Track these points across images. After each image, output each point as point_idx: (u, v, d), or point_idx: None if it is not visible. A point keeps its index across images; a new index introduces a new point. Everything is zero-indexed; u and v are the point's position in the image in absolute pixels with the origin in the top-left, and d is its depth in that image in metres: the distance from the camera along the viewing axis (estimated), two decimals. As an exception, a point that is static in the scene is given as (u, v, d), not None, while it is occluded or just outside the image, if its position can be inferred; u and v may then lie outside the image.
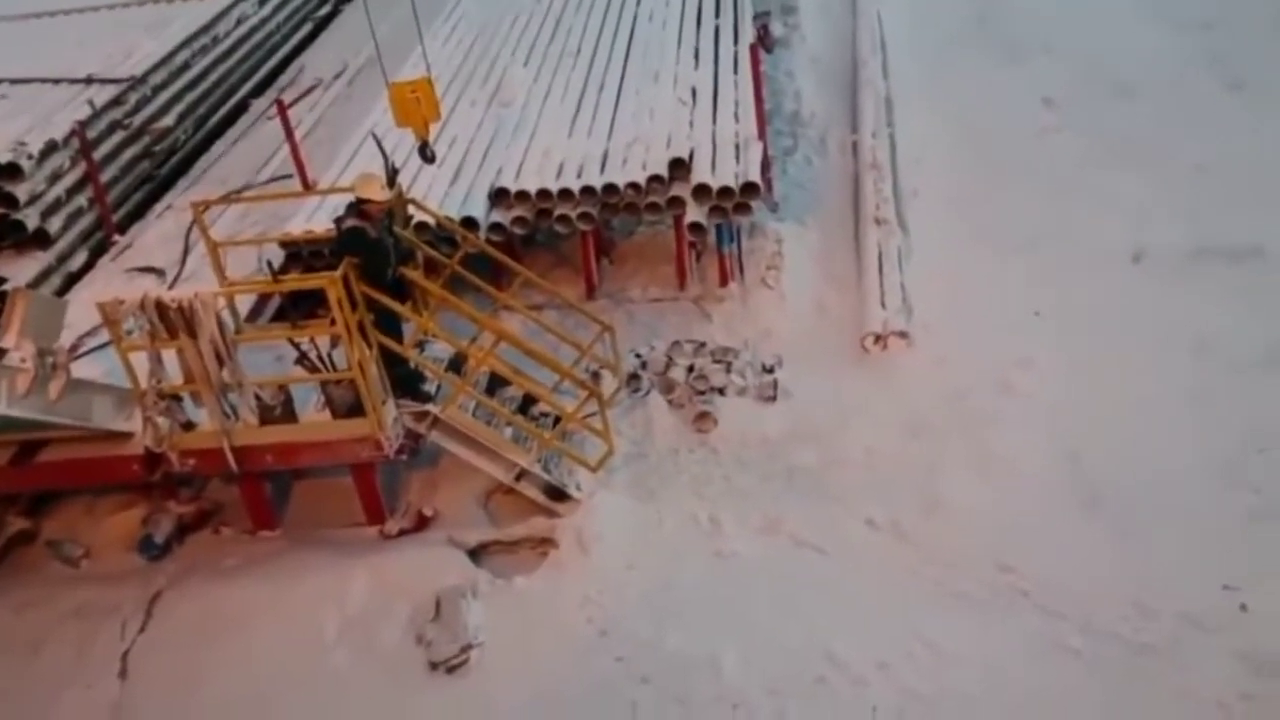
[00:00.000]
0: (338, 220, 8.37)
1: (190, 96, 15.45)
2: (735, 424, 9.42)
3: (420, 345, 9.10)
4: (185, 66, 15.45)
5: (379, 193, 8.20)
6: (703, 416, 9.49)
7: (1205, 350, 9.45)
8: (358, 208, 8.19)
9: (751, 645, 7.52)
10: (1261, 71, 13.28)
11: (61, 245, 12.52)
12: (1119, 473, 8.49)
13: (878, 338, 10.04)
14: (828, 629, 7.54)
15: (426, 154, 9.27)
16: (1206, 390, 9.07)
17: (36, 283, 11.73)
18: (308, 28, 18.83)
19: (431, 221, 9.95)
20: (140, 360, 8.03)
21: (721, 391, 9.68)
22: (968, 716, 6.95)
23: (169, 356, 8.06)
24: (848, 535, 8.35)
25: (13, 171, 12.07)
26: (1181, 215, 11.09)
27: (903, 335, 10.02)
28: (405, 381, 8.62)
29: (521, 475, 8.67)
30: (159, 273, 11.96)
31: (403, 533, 8.79)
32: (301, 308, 8.93)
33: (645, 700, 7.31)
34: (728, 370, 9.86)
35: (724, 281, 11.06)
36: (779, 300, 10.79)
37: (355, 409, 8.26)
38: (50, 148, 12.53)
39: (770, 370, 9.92)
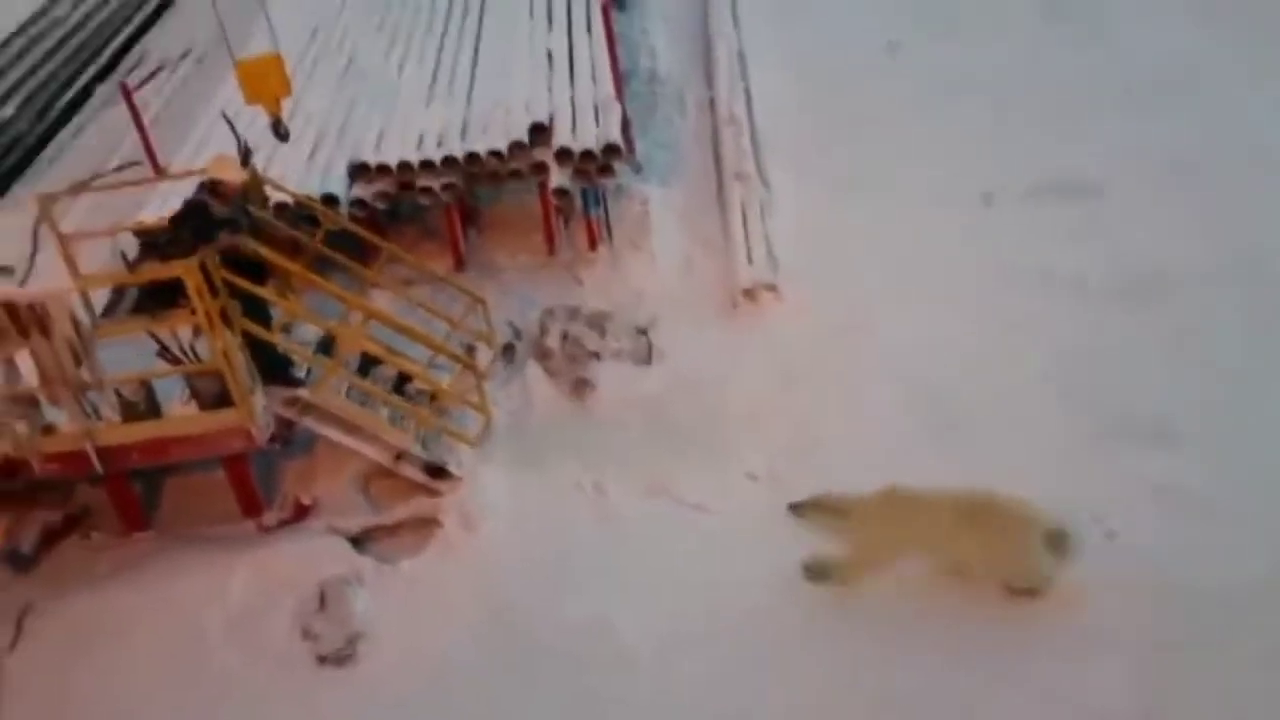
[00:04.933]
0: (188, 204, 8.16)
1: (30, 84, 14.66)
2: (613, 388, 9.47)
3: (286, 329, 8.90)
4: (22, 53, 14.64)
5: (233, 173, 8.05)
6: (580, 383, 9.52)
7: (1051, 283, 9.76)
8: (212, 190, 8.00)
9: (641, 607, 7.60)
10: (1080, 4, 13.75)
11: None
12: (974, 404, 8.72)
13: (747, 292, 10.19)
14: (709, 584, 7.65)
15: (280, 131, 9.09)
16: (1053, 320, 9.38)
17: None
18: (151, 7, 17.91)
19: (290, 201, 9.71)
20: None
21: (598, 356, 9.71)
22: (835, 651, 7.12)
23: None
24: (729, 490, 8.44)
25: None
26: (1021, 153, 11.41)
27: (771, 288, 10.18)
28: (274, 367, 8.42)
29: (400, 456, 8.57)
30: (8, 271, 11.39)
31: (281, 524, 8.60)
32: (161, 298, 8.60)
33: (544, 672, 7.32)
34: (602, 334, 9.89)
35: (593, 245, 11.05)
36: (649, 261, 10.83)
37: (223, 399, 8.04)
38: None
39: (644, 332, 9.98)
